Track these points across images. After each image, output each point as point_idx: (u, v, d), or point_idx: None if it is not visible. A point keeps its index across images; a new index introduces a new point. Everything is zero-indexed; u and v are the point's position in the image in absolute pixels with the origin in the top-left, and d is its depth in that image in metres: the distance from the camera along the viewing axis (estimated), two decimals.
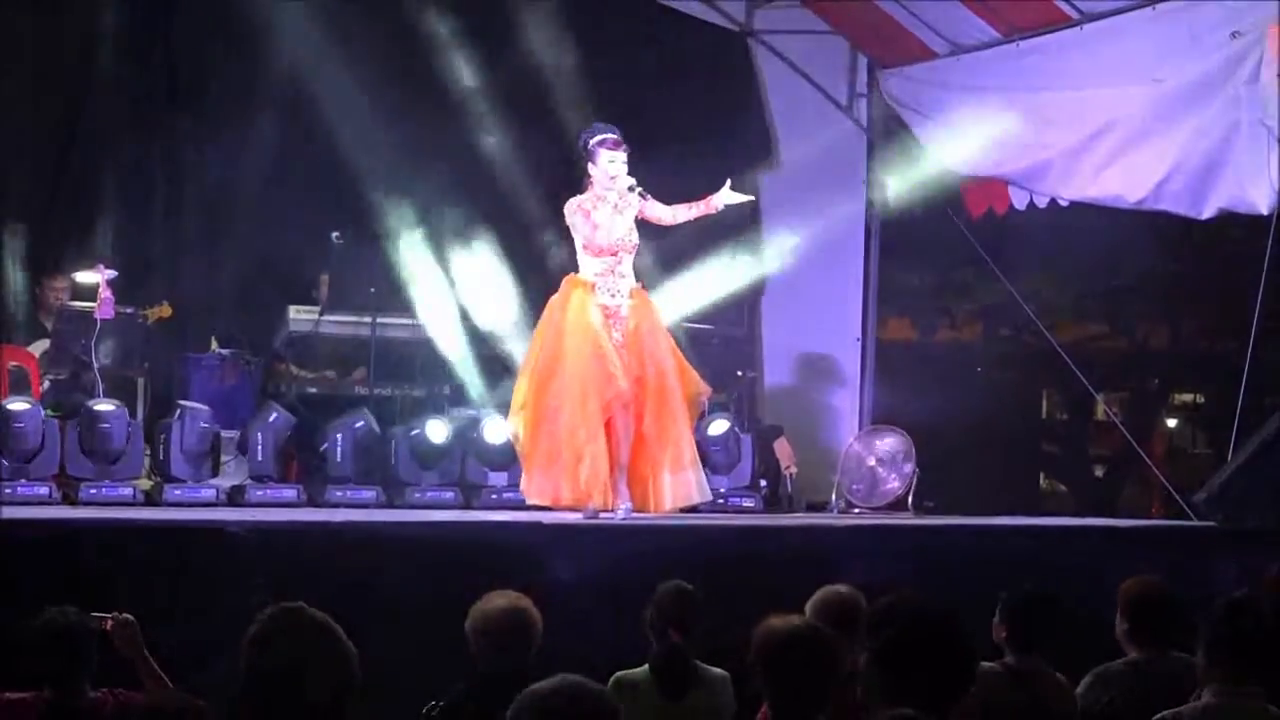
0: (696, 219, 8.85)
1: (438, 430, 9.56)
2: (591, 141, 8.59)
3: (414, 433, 9.59)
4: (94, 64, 10.27)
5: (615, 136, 8.59)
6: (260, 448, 9.38)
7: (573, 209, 8.60)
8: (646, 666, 5.45)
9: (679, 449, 8.63)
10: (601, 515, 8.35)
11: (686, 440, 8.69)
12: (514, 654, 4.70)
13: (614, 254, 8.58)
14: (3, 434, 8.79)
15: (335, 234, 9.97)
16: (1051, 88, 10.32)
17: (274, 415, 9.49)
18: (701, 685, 5.46)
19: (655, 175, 8.77)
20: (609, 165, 8.55)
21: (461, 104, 10.75)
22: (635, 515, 8.47)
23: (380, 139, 10.52)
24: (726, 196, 8.70)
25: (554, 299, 8.67)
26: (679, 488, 8.62)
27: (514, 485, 9.47)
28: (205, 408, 9.46)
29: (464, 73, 10.68)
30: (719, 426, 10.06)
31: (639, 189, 8.53)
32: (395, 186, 10.60)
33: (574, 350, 8.46)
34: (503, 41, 10.79)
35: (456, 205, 10.75)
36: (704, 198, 8.70)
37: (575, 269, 8.70)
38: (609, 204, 8.58)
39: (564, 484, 8.42)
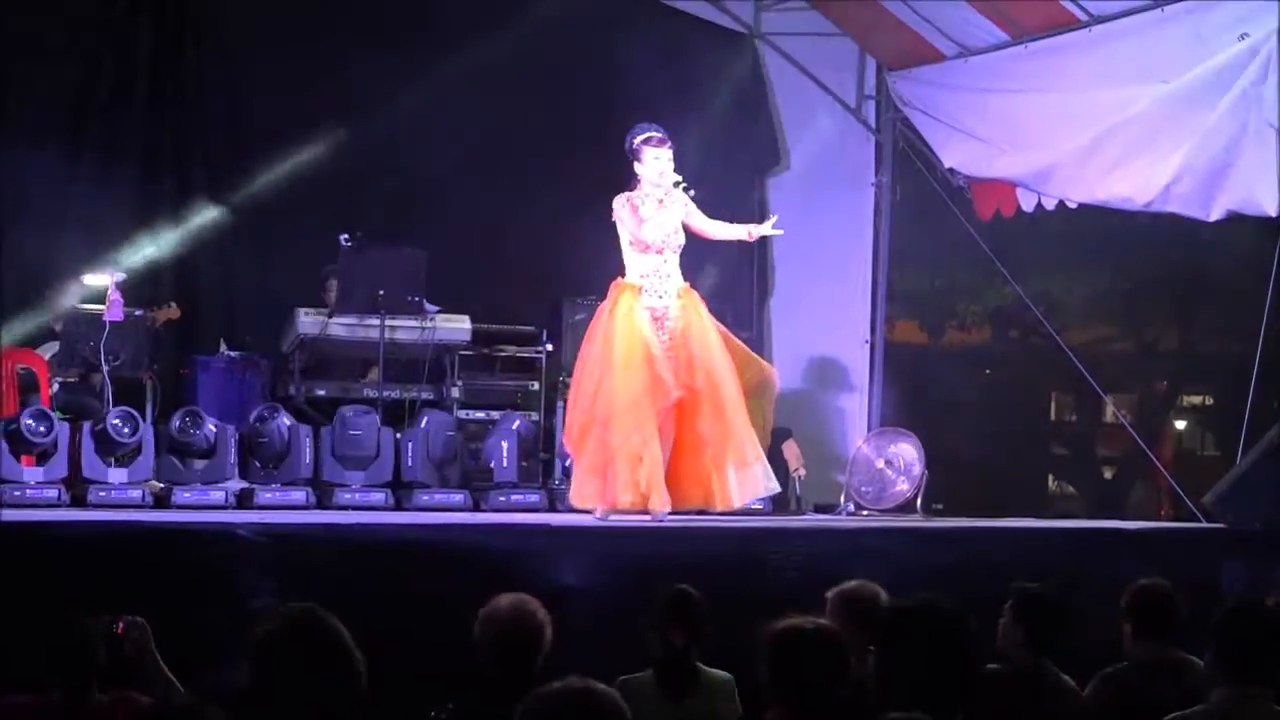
0: (732, 241, 8.96)
1: None
2: (636, 140, 8.59)
3: None
4: (104, 65, 10.31)
5: (660, 134, 8.59)
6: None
7: (621, 203, 8.57)
8: (651, 671, 5.46)
9: (741, 445, 8.55)
10: (610, 517, 8.36)
11: (749, 436, 8.59)
12: (522, 658, 4.69)
13: (659, 252, 8.57)
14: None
15: (344, 236, 9.98)
16: (1059, 89, 10.32)
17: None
18: (704, 687, 5.46)
19: None
20: (654, 162, 8.55)
21: (485, 103, 10.81)
22: (666, 518, 8.38)
23: (396, 138, 10.60)
24: (766, 229, 8.82)
25: (603, 305, 8.65)
26: (746, 482, 8.58)
27: (520, 488, 9.53)
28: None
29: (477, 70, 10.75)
30: None
31: (684, 184, 8.53)
32: (411, 185, 10.68)
33: (623, 356, 8.42)
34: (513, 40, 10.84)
35: (470, 203, 10.82)
36: (745, 225, 8.83)
37: (622, 272, 8.70)
38: (655, 201, 8.58)
39: (620, 489, 8.35)
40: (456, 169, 10.83)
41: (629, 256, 8.63)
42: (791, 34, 11.89)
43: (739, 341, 8.91)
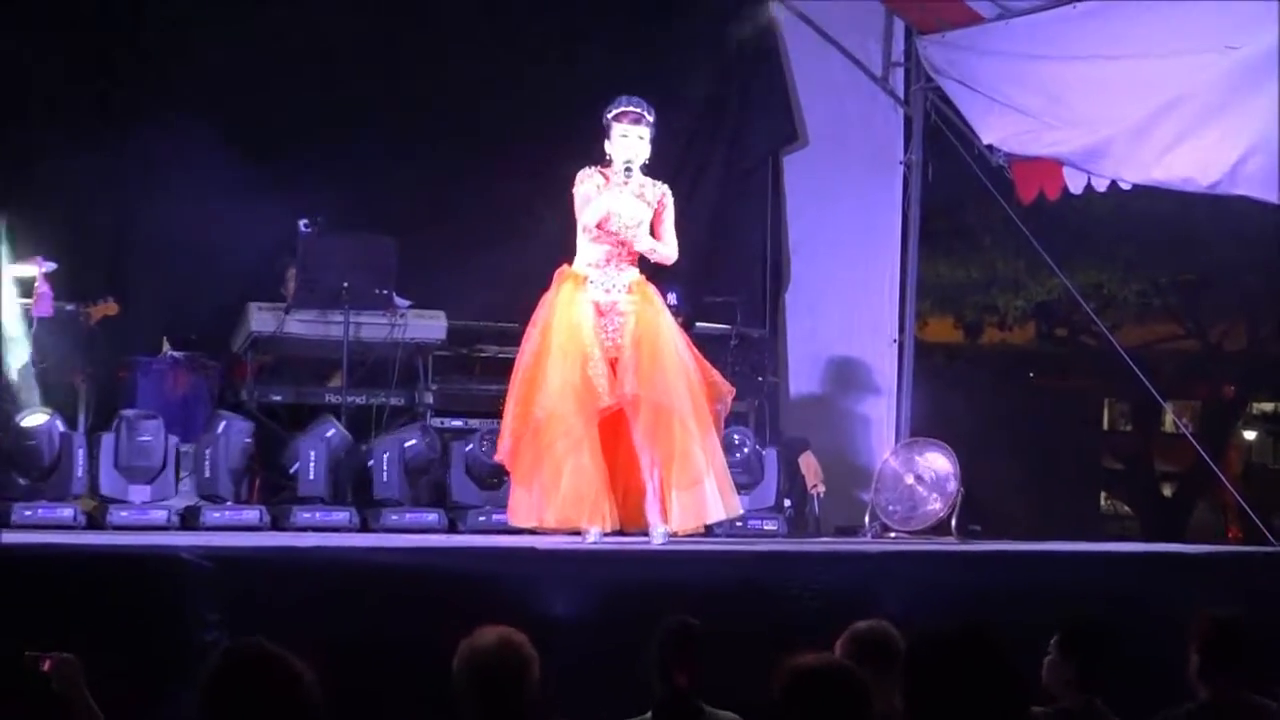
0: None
1: None
2: (608, 114, 8.42)
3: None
4: (38, 47, 10.32)
5: (637, 110, 8.38)
6: (209, 464, 9.41)
7: (583, 177, 8.41)
8: (650, 713, 5.45)
9: (688, 461, 8.34)
10: (605, 539, 8.30)
11: (697, 452, 8.38)
12: (506, 698, 4.68)
13: (611, 244, 8.46)
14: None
15: (304, 221, 9.97)
16: (1113, 56, 10.31)
17: (224, 424, 9.52)
18: None
19: (671, 150, 8.71)
20: (621, 140, 8.36)
21: (464, 75, 10.84)
22: (601, 538, 8.29)
23: (364, 114, 10.61)
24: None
25: (546, 295, 8.55)
26: (690, 505, 8.35)
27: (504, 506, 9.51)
28: None
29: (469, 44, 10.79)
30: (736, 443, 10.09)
31: (628, 164, 8.35)
32: (383, 164, 10.69)
33: (559, 353, 8.30)
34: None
35: (447, 186, 10.84)
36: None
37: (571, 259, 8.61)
38: (621, 184, 8.44)
39: (547, 504, 8.29)
40: (431, 147, 10.83)
41: (580, 241, 8.50)
42: None
43: (695, 351, 8.66)
